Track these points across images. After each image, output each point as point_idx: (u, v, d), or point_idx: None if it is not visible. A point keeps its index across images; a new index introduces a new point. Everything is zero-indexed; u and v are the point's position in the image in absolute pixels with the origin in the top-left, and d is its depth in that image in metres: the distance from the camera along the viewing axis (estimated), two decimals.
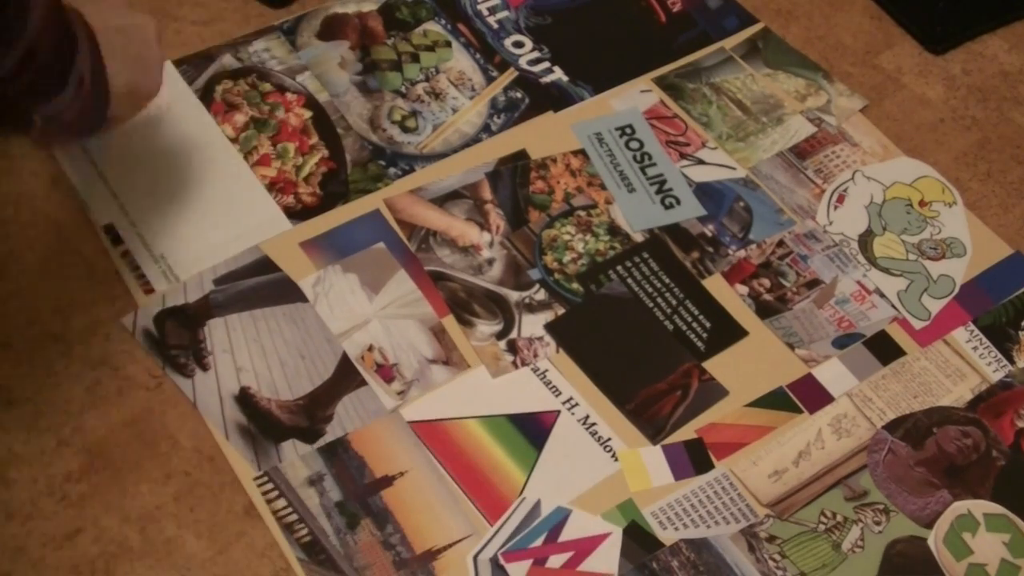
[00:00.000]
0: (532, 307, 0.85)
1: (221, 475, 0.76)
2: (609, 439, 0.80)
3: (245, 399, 0.79)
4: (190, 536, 0.74)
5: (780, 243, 0.90)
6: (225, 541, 0.74)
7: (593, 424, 0.80)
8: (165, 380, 0.80)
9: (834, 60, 1.05)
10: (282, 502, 0.75)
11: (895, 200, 0.94)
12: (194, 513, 0.75)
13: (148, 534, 0.74)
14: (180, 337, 0.81)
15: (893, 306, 0.88)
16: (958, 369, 0.85)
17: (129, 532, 0.73)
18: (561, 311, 0.85)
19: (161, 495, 0.75)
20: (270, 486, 0.76)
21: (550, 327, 0.84)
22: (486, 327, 0.84)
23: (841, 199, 0.94)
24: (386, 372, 0.81)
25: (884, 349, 0.86)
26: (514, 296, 0.85)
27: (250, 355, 0.81)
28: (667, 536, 0.75)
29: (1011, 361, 0.86)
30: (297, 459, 0.77)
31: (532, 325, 0.84)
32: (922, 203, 0.94)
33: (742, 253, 0.89)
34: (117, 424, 0.78)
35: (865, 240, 0.91)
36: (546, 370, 0.82)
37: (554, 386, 0.81)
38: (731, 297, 0.87)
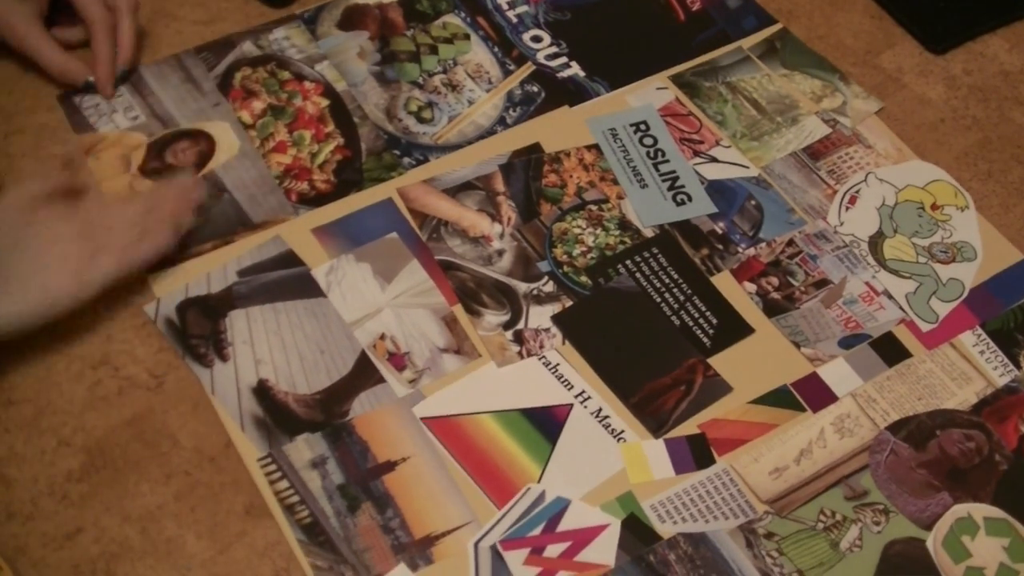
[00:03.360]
0: (540, 299, 0.86)
1: (222, 475, 0.77)
2: (622, 431, 0.80)
3: (263, 391, 0.80)
4: (191, 536, 0.74)
5: (790, 242, 0.91)
6: (226, 541, 0.74)
7: (606, 417, 0.81)
8: (166, 380, 0.80)
9: (835, 60, 1.05)
10: (284, 483, 0.76)
11: (907, 203, 0.94)
12: (195, 513, 0.75)
13: (149, 534, 0.74)
14: (201, 327, 0.82)
15: (901, 308, 0.88)
16: (964, 373, 0.85)
17: (130, 532, 0.74)
18: (569, 303, 0.86)
19: (162, 495, 0.76)
20: (273, 467, 0.77)
21: (557, 319, 0.85)
22: (493, 317, 0.84)
23: (853, 200, 0.94)
24: (398, 360, 0.82)
25: (890, 350, 0.86)
26: (522, 287, 0.86)
27: (270, 347, 0.82)
28: (665, 529, 0.76)
29: (1018, 366, 0.86)
30: (301, 441, 0.78)
31: (539, 316, 0.85)
32: (934, 206, 0.94)
33: (752, 251, 0.90)
34: (117, 424, 0.78)
35: (875, 242, 0.91)
36: (558, 364, 0.83)
37: (566, 379, 0.82)
38: (739, 294, 0.87)
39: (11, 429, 0.77)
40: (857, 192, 0.94)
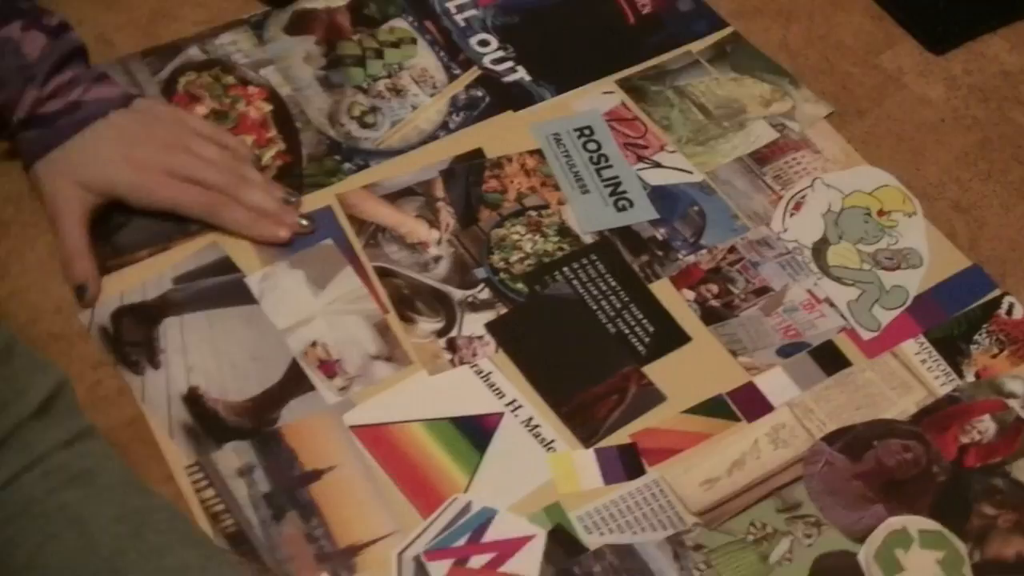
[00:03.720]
0: (475, 306, 0.85)
1: None
2: (552, 441, 0.79)
3: (193, 399, 0.79)
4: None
5: (732, 249, 0.89)
6: None
7: (537, 426, 0.80)
8: None
9: (835, 60, 1.04)
10: (210, 492, 0.76)
11: (853, 209, 0.93)
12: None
13: None
14: (135, 334, 0.82)
15: (843, 316, 0.86)
16: (904, 382, 0.84)
17: None
18: (504, 311, 0.85)
19: (162, 495, 0.75)
20: (200, 475, 0.76)
21: (491, 326, 0.84)
22: (427, 324, 0.84)
23: (799, 207, 0.92)
24: (328, 368, 0.81)
25: (830, 359, 0.84)
26: (458, 295, 0.85)
27: (202, 355, 0.81)
28: (592, 541, 0.75)
29: (960, 375, 0.84)
30: (229, 449, 0.77)
31: (473, 324, 0.84)
32: (881, 212, 0.93)
33: (692, 258, 0.88)
34: (118, 424, 0.78)
35: (819, 248, 0.90)
36: (490, 372, 0.82)
37: (498, 388, 0.81)
38: (677, 302, 0.86)
39: None
40: (803, 198, 0.93)
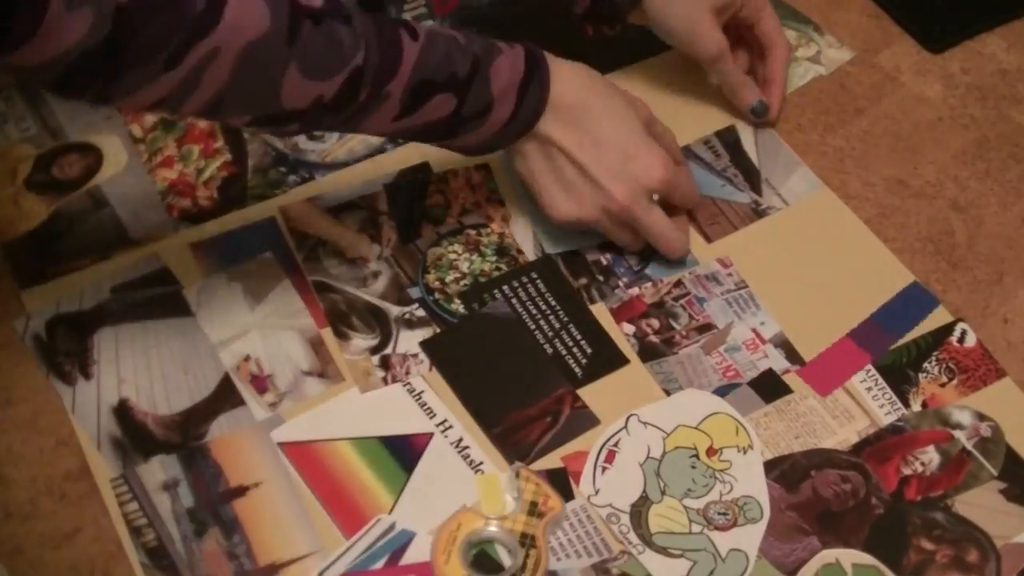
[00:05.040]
0: (412, 323, 0.84)
1: None
2: (481, 463, 0.78)
3: (123, 411, 0.79)
4: None
5: (678, 283, 0.87)
6: None
7: (466, 448, 0.79)
8: None
9: None
10: (134, 505, 0.75)
11: (677, 452, 0.79)
12: None
13: None
14: (69, 343, 0.82)
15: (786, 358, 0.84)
16: (847, 410, 0.82)
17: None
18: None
19: None
20: (124, 488, 0.76)
21: (425, 344, 0.83)
22: (362, 341, 0.83)
23: (611, 457, 0.78)
24: (260, 383, 0.81)
25: (770, 387, 0.82)
26: (395, 311, 0.84)
27: (135, 367, 0.81)
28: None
29: (906, 404, 0.82)
30: (155, 463, 0.77)
31: (409, 341, 0.83)
32: (711, 451, 0.78)
33: (635, 291, 0.86)
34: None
35: (639, 511, 0.76)
36: (422, 391, 0.81)
37: (429, 408, 0.80)
38: (616, 336, 0.84)
39: (9, 430, 0.78)
40: (616, 445, 0.79)
